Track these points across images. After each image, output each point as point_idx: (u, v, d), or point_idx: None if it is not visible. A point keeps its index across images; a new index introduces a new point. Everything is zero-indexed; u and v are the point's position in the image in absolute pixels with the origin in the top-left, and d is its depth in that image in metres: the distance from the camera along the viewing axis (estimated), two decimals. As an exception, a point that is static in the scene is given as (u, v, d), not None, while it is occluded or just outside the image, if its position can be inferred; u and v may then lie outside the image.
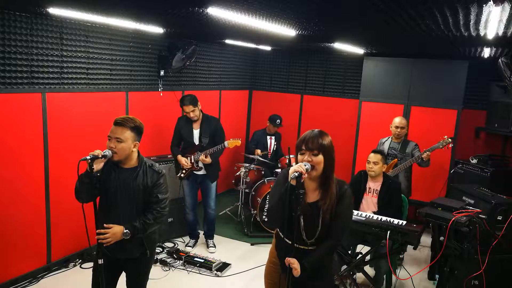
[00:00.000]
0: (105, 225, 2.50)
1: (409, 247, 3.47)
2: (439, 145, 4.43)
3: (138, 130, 2.61)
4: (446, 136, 4.45)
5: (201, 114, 4.57)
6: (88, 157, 2.36)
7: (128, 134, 2.54)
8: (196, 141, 4.55)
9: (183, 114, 4.61)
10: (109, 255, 2.57)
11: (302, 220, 2.26)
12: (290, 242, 2.23)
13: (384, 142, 4.78)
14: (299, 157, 2.21)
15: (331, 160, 2.21)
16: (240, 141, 4.43)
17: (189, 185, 4.70)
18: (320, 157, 2.17)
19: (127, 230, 2.55)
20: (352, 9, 2.69)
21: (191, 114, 4.45)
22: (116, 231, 2.52)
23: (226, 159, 6.37)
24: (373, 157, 3.87)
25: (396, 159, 4.55)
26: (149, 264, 2.84)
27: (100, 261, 2.46)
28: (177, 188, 4.87)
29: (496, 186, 4.39)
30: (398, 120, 4.65)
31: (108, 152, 2.46)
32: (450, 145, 4.44)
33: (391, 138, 4.72)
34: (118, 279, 2.81)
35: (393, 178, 4.07)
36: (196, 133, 4.56)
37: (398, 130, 4.61)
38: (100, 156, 2.40)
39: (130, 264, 2.73)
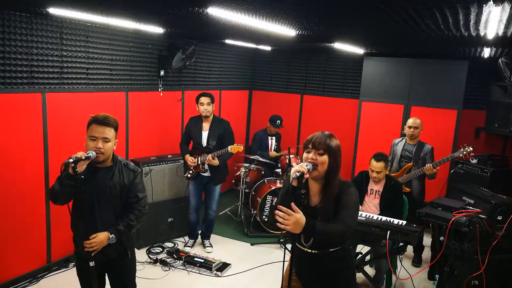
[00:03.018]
0: (90, 236, 2.45)
1: (409, 248, 3.47)
2: (459, 154, 4.30)
3: (117, 128, 2.58)
4: (465, 144, 4.33)
5: (212, 115, 4.59)
6: (71, 160, 2.27)
7: (113, 133, 2.50)
8: (204, 142, 4.56)
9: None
10: (87, 258, 2.47)
11: None
12: (298, 246, 2.28)
13: (398, 143, 4.60)
14: (304, 155, 2.21)
15: (335, 164, 2.19)
16: (242, 147, 4.42)
17: (195, 185, 4.71)
18: (325, 157, 2.16)
19: (112, 235, 2.50)
20: (352, 9, 2.69)
21: (205, 106, 4.47)
22: (101, 238, 2.47)
23: (226, 159, 6.37)
24: (377, 166, 3.77)
25: (410, 164, 4.38)
26: (131, 266, 2.75)
27: (92, 263, 2.43)
28: (182, 188, 4.90)
29: (496, 186, 4.38)
30: (411, 120, 4.48)
31: (91, 154, 2.38)
32: (472, 154, 4.31)
33: (405, 139, 4.54)
34: (105, 282, 2.76)
35: (395, 179, 4.02)
36: (204, 134, 4.58)
37: (411, 130, 4.42)
38: (84, 158, 2.32)
39: (110, 266, 2.66)
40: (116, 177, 2.55)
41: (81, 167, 2.35)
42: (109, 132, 2.48)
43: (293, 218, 1.96)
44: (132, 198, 2.60)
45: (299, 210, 1.99)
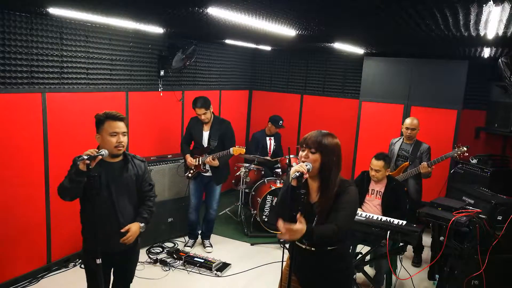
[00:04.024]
0: (122, 230, 2.57)
1: (409, 248, 3.46)
2: (453, 154, 4.31)
3: None
4: (460, 144, 4.34)
5: (212, 116, 4.59)
6: (86, 157, 2.35)
7: (126, 127, 2.65)
8: (205, 143, 4.56)
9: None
10: (107, 252, 2.56)
11: None
12: (297, 243, 2.28)
13: (395, 142, 4.64)
14: (300, 153, 2.25)
15: (330, 162, 2.19)
16: (244, 149, 4.43)
17: (195, 185, 4.71)
18: (317, 156, 2.18)
19: (143, 224, 2.66)
20: (352, 9, 2.69)
21: (202, 117, 4.48)
22: (135, 229, 2.62)
23: (226, 159, 6.36)
24: (376, 164, 3.81)
25: (407, 163, 4.41)
26: (137, 253, 2.92)
27: (98, 261, 2.47)
28: (182, 188, 4.90)
29: (496, 186, 4.38)
30: (409, 121, 4.48)
31: (104, 152, 2.47)
32: (466, 154, 4.32)
33: (403, 138, 4.57)
34: (110, 275, 2.85)
35: (397, 180, 4.03)
36: (205, 135, 4.58)
37: (409, 131, 4.44)
38: (96, 155, 2.41)
39: (121, 256, 2.74)
40: (131, 169, 2.69)
41: (93, 163, 2.43)
42: (125, 126, 2.63)
43: (295, 230, 1.97)
44: (146, 187, 2.78)
45: (302, 220, 2.00)
